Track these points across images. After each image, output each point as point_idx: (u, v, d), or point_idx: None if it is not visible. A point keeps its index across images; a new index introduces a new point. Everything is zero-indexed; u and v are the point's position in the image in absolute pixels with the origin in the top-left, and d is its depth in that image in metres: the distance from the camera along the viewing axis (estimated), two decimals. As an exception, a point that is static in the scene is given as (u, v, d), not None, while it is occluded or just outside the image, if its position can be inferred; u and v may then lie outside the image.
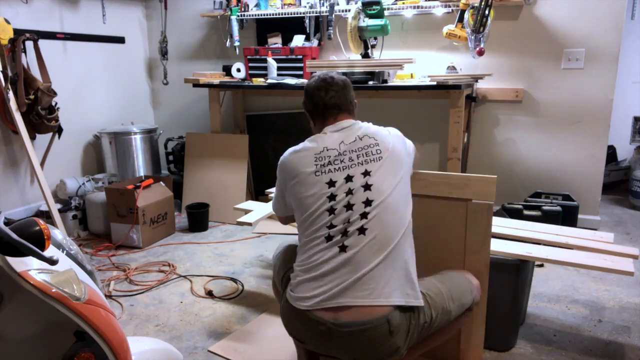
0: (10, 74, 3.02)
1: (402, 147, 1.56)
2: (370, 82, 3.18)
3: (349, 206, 1.41)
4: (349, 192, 1.42)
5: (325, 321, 1.35)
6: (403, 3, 3.30)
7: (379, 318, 1.33)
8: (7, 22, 3.04)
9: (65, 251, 1.16)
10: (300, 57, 3.54)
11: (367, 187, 1.43)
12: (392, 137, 1.55)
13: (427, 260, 1.64)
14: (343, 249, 1.38)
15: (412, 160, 1.61)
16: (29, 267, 0.98)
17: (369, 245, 1.37)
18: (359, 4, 3.23)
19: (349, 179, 1.44)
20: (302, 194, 1.48)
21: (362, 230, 1.38)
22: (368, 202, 1.41)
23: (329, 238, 1.40)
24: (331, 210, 1.42)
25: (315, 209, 1.44)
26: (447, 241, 1.71)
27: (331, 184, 1.44)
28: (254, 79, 3.56)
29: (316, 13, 3.53)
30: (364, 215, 1.40)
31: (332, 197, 1.43)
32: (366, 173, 1.45)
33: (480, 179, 1.65)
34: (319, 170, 1.46)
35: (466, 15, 2.98)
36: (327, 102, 1.57)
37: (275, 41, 3.77)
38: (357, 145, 1.49)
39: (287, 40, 3.75)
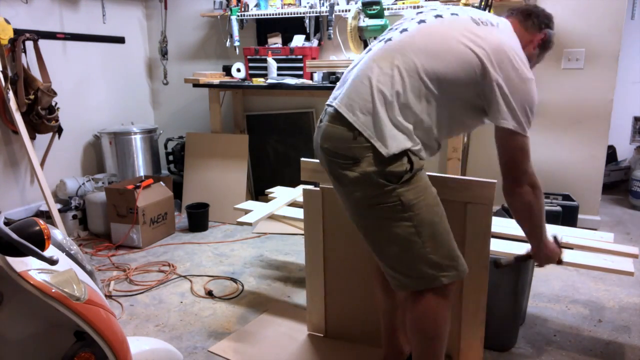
0: (10, 74, 3.02)
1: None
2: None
3: None
4: None
5: None
6: (403, 3, 3.30)
7: None
8: (7, 22, 3.04)
9: (65, 251, 1.16)
10: (300, 57, 3.53)
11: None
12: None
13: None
14: None
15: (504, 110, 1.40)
16: (29, 267, 0.98)
17: None
18: (359, 4, 3.23)
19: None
20: None
21: None
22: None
23: None
24: None
25: None
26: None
27: None
28: (254, 79, 3.55)
29: (316, 13, 3.53)
30: None
31: None
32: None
33: (479, 183, 1.63)
34: None
35: (466, 15, 2.97)
36: None
37: (275, 41, 3.77)
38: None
39: (287, 40, 3.75)
